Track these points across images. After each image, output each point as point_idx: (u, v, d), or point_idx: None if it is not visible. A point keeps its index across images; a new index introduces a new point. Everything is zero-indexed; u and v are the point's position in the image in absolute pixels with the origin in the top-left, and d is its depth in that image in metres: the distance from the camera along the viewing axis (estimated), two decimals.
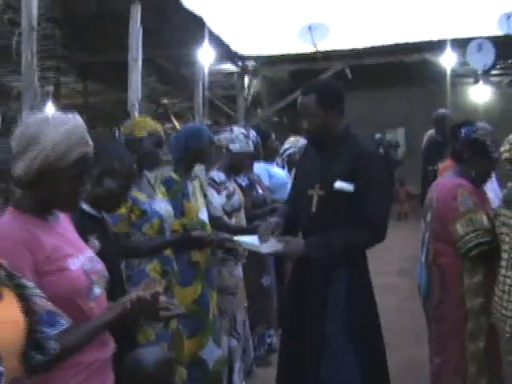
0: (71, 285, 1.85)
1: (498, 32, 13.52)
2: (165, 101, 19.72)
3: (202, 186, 4.13)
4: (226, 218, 4.29)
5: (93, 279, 1.97)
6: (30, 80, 6.57)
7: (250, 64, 14.94)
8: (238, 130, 4.73)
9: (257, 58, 14.68)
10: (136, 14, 9.62)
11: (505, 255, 3.07)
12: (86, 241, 2.20)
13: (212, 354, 3.95)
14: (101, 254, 2.19)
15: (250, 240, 3.39)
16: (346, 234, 3.22)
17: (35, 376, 1.67)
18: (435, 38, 13.00)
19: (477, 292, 3.50)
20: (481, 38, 12.79)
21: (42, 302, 1.64)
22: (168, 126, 17.89)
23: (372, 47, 13.49)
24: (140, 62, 9.63)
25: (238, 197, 4.52)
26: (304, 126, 3.36)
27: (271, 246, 3.24)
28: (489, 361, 3.53)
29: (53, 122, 1.90)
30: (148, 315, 1.99)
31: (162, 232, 3.39)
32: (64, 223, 2.05)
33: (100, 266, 2.05)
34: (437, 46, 13.03)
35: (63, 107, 15.45)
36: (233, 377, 4.39)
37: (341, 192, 3.21)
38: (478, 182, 3.63)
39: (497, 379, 3.37)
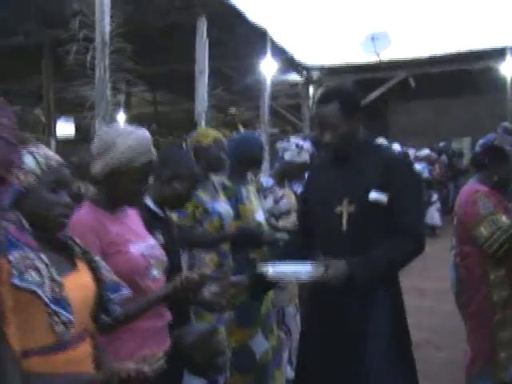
0: (130, 264, 2.25)
1: None
2: (232, 110, 20.23)
3: (258, 190, 4.50)
4: (273, 220, 4.63)
5: (151, 262, 2.38)
6: (103, 92, 7.06)
7: (315, 74, 15.22)
8: (293, 140, 5.05)
9: (321, 68, 14.94)
10: (202, 27, 10.07)
11: None
12: (152, 234, 2.60)
13: (260, 345, 4.25)
14: (164, 247, 2.61)
15: (281, 267, 3.00)
16: (389, 250, 2.98)
17: (104, 334, 2.07)
18: (498, 45, 12.96)
19: (502, 285, 3.75)
20: None
21: (108, 274, 2.03)
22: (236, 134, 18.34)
23: (434, 56, 13.54)
24: (206, 74, 10.07)
25: (287, 202, 4.83)
26: (326, 138, 3.07)
27: (310, 272, 2.92)
28: None
29: (124, 133, 2.35)
30: (195, 292, 2.39)
31: (222, 229, 3.80)
32: (131, 216, 2.48)
33: (159, 252, 2.46)
34: (499, 53, 13.00)
35: (133, 116, 16.13)
36: (281, 366, 4.71)
37: (375, 204, 2.98)
38: (500, 186, 3.87)
39: None
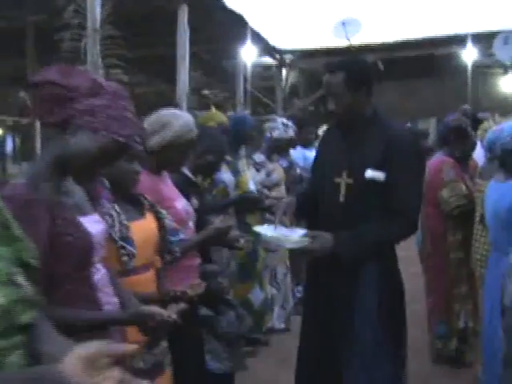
0: (177, 217, 2.87)
1: None
2: (205, 92, 20.69)
3: (250, 163, 5.16)
4: (265, 190, 5.28)
5: (189, 216, 3.00)
6: None
7: (288, 57, 15.78)
8: (279, 120, 5.76)
9: (294, 52, 15.50)
10: (183, 13, 10.57)
11: (477, 212, 4.01)
12: (188, 199, 3.21)
13: (257, 296, 4.97)
14: (197, 209, 3.24)
15: (272, 232, 3.05)
16: (378, 228, 3.00)
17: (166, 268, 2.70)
18: (460, 32, 13.66)
19: (458, 247, 4.49)
20: (505, 31, 13.42)
21: (169, 222, 2.66)
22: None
23: (402, 41, 14.18)
24: (187, 58, 10.58)
25: (277, 174, 5.49)
26: (330, 106, 3.06)
27: (296, 240, 2.97)
28: (470, 301, 4.52)
29: (177, 115, 2.98)
30: (223, 237, 3.06)
31: (227, 195, 4.41)
32: (168, 181, 3.07)
33: (191, 208, 3.09)
34: (461, 40, 13.73)
35: None
36: (273, 318, 5.41)
37: (371, 181, 2.97)
38: (462, 159, 4.58)
39: (476, 314, 4.35)
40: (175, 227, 2.71)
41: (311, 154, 6.79)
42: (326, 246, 2.92)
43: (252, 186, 4.99)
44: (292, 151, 6.23)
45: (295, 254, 3.27)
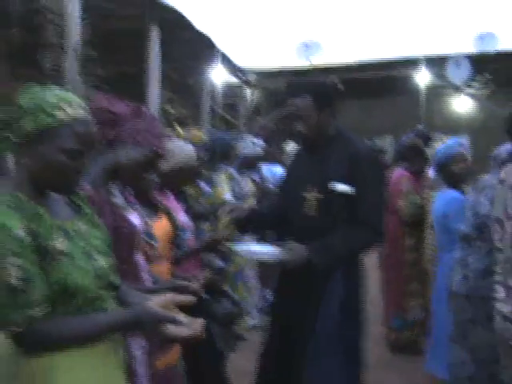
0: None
1: (472, 50, 15.00)
2: (168, 108, 21.05)
3: (229, 176, 5.71)
4: (239, 201, 5.82)
5: (188, 227, 3.52)
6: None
7: (251, 77, 16.37)
8: (248, 138, 6.37)
9: (257, 72, 16.12)
10: (154, 34, 11.09)
11: (429, 219, 4.68)
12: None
13: None
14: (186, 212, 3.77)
15: (248, 247, 3.36)
16: (347, 237, 3.15)
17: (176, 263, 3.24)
18: (414, 55, 14.51)
19: (411, 249, 5.14)
20: (456, 55, 14.30)
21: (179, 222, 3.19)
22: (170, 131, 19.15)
23: (360, 62, 14.93)
24: (158, 76, 11.06)
25: (248, 187, 6.09)
26: (298, 127, 3.27)
27: (272, 253, 3.16)
28: (421, 297, 5.18)
29: (181, 146, 3.51)
30: (218, 246, 3.59)
31: (212, 204, 4.93)
32: (171, 197, 3.61)
33: (190, 222, 3.62)
34: (415, 62, 14.61)
35: None
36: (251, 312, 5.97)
37: (337, 194, 3.15)
38: (417, 173, 5.27)
39: (426, 308, 5.00)
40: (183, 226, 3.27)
41: (277, 169, 7.45)
42: (301, 257, 3.08)
43: (228, 197, 5.52)
44: (263, 167, 6.85)
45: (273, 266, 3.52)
